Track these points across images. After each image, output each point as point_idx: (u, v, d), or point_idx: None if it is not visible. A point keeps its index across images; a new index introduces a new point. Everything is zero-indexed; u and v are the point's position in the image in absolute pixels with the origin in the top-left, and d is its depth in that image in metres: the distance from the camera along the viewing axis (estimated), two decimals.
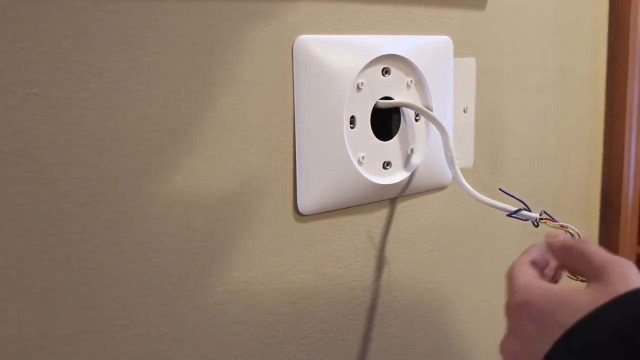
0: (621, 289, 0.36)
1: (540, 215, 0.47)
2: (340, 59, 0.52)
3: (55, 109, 0.40)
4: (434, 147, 0.60)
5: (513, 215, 0.48)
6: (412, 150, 0.59)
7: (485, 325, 0.72)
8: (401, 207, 0.61)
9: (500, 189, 0.53)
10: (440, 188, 0.64)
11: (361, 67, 0.53)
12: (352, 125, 0.54)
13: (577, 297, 0.38)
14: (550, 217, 0.46)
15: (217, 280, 0.49)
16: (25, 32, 0.39)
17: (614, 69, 0.83)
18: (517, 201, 0.49)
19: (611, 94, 0.84)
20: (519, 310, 0.40)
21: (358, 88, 0.53)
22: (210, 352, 0.50)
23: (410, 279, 0.63)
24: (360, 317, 0.59)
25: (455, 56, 0.62)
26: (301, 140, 0.52)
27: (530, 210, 0.48)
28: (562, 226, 0.45)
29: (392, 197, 0.60)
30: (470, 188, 0.53)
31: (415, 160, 0.59)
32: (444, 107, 0.60)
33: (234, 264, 0.50)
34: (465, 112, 0.65)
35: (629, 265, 0.38)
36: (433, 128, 0.59)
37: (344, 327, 0.58)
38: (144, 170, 0.45)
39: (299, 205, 0.53)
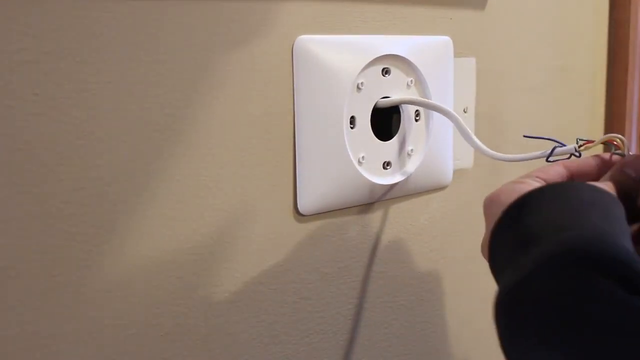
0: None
1: (577, 144, 0.44)
2: (340, 59, 0.52)
3: (55, 109, 0.40)
4: (434, 147, 0.60)
5: (550, 158, 0.45)
6: (412, 150, 0.59)
7: (485, 325, 0.72)
8: (401, 207, 0.61)
9: (525, 135, 0.52)
10: (440, 188, 0.64)
11: (361, 67, 0.53)
12: (352, 126, 0.54)
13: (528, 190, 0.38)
14: (587, 140, 0.44)
15: (217, 281, 0.49)
16: (25, 32, 0.39)
17: (614, 69, 0.83)
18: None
19: (611, 94, 0.84)
20: (485, 205, 0.42)
21: (358, 88, 0.53)
22: (210, 352, 0.50)
23: (410, 279, 0.63)
24: (360, 317, 0.59)
25: (455, 56, 0.62)
26: (301, 140, 0.52)
27: (564, 145, 0.45)
28: (603, 141, 0.43)
29: (392, 197, 0.60)
30: (496, 153, 0.51)
31: (415, 160, 0.59)
32: None
33: (234, 264, 0.50)
34: (465, 112, 0.65)
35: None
36: (433, 128, 0.59)
37: (344, 327, 0.58)
38: (144, 170, 0.45)
39: (299, 205, 0.53)
